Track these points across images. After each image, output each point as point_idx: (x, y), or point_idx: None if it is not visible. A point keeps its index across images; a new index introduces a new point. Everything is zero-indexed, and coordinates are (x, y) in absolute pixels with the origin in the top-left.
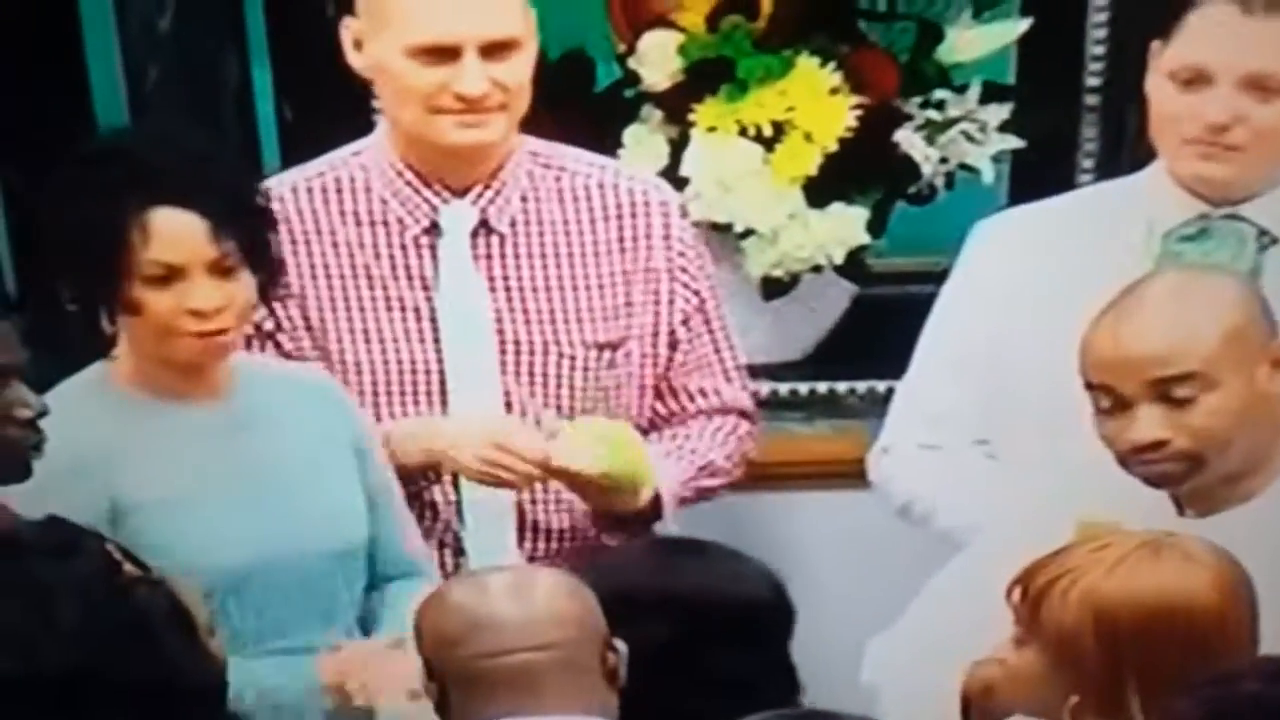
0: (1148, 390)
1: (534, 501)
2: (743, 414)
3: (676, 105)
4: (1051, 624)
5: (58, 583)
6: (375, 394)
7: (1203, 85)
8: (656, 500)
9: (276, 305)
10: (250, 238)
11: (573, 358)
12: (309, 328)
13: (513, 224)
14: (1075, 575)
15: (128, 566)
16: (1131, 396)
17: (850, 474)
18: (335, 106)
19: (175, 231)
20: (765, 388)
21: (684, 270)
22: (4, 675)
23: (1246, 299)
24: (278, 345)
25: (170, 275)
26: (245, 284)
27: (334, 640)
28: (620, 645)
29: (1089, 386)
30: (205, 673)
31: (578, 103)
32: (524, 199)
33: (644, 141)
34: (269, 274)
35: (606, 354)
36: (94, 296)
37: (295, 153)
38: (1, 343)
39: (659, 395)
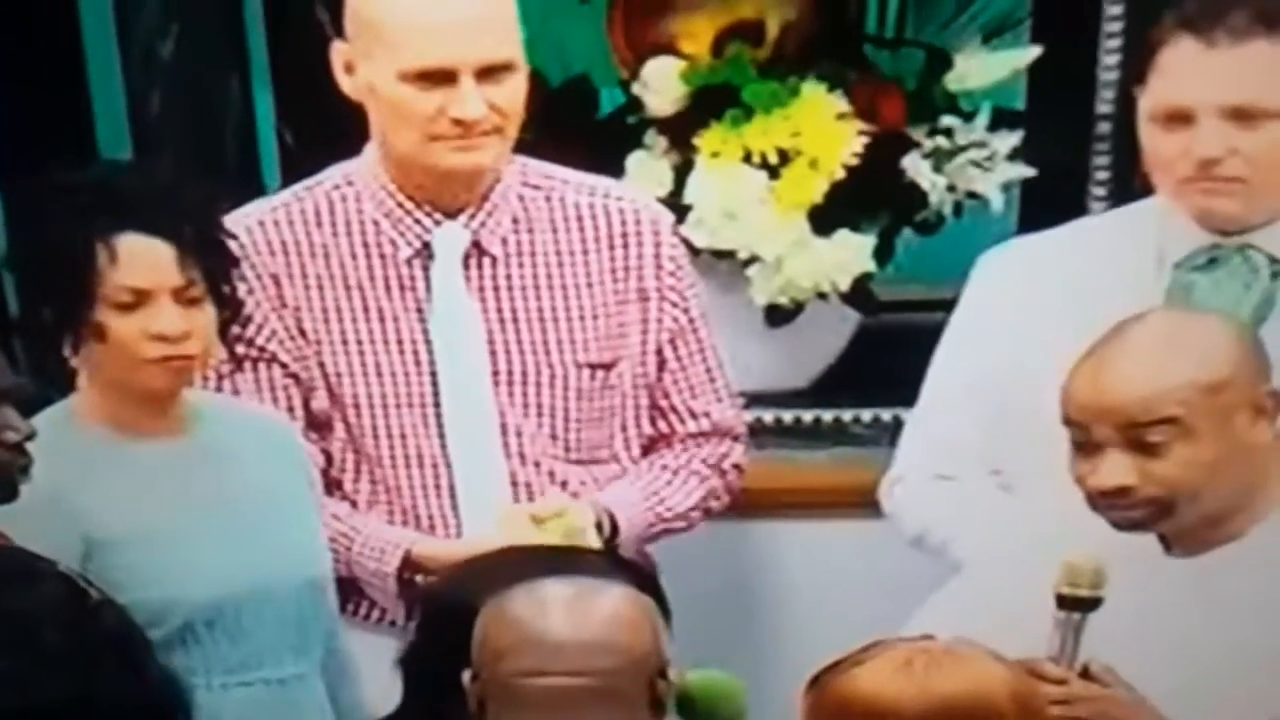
0: (1119, 435)
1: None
2: (734, 437)
3: (680, 132)
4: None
5: (30, 610)
6: (372, 409)
7: (1185, 124)
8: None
9: (273, 318)
10: (215, 269)
11: (565, 378)
12: (305, 339)
13: (504, 244)
14: (834, 673)
15: (92, 590)
16: (1102, 440)
17: (854, 503)
18: (336, 131)
19: (143, 257)
20: (769, 415)
21: (673, 289)
22: None
23: (1237, 345)
24: (280, 363)
25: (136, 301)
26: (209, 315)
27: (304, 671)
28: (672, 674)
29: (1066, 422)
30: (181, 693)
31: (580, 129)
32: (515, 220)
33: (647, 168)
34: (231, 311)
35: (599, 374)
36: (59, 321)
37: (296, 178)
38: None
39: (651, 417)
